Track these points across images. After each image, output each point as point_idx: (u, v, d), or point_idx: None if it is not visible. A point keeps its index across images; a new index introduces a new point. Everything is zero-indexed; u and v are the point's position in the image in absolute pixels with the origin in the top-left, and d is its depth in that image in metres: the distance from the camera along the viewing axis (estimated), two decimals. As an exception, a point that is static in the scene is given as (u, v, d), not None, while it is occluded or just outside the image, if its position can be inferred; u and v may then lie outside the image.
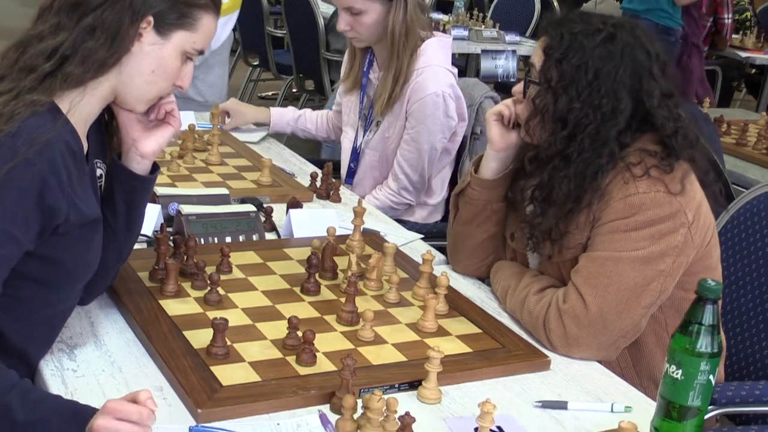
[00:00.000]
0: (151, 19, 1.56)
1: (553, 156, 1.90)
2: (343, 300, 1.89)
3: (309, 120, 3.37)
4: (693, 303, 1.49)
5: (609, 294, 1.85)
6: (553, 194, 1.89)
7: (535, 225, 1.94)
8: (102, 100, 1.60)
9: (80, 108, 1.56)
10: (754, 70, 7.64)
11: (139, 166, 1.68)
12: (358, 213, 2.24)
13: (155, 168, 1.73)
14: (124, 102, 1.62)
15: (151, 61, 1.58)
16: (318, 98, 6.22)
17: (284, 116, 3.35)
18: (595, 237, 1.89)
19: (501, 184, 2.11)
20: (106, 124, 1.72)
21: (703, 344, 1.48)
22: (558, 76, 1.89)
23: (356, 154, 3.16)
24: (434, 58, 2.91)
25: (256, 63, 6.66)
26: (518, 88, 2.01)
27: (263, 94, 7.31)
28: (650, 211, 1.83)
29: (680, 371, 1.49)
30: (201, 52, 1.64)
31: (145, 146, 1.67)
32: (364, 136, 3.12)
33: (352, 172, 3.19)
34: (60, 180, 1.47)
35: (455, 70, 3.02)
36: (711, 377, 1.49)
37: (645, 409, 1.70)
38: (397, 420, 1.48)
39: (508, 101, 2.06)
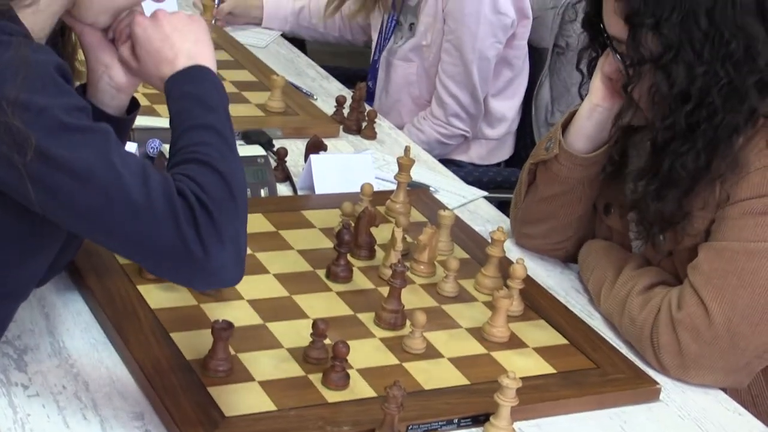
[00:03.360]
0: None
1: (674, 138, 1.82)
2: (383, 291, 1.86)
3: (314, 13, 3.19)
4: None
5: (740, 299, 1.80)
6: (674, 175, 1.82)
7: (647, 211, 1.87)
8: (57, 6, 1.50)
9: (32, 20, 1.46)
10: None
11: (114, 102, 1.62)
12: (404, 166, 2.14)
13: (134, 105, 1.66)
14: (85, 10, 1.55)
15: None
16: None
17: (280, 8, 3.17)
18: (721, 221, 1.84)
19: (599, 161, 2.02)
20: (60, 47, 1.63)
21: None
22: (662, 45, 1.78)
23: (374, 69, 3.04)
24: None
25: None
26: (611, 68, 1.91)
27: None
28: None
29: None
30: None
31: (121, 75, 1.60)
32: (387, 41, 3.00)
33: (370, 93, 3.08)
34: None
35: None
36: None
37: (788, 462, 1.68)
38: (458, 475, 1.45)
39: None
